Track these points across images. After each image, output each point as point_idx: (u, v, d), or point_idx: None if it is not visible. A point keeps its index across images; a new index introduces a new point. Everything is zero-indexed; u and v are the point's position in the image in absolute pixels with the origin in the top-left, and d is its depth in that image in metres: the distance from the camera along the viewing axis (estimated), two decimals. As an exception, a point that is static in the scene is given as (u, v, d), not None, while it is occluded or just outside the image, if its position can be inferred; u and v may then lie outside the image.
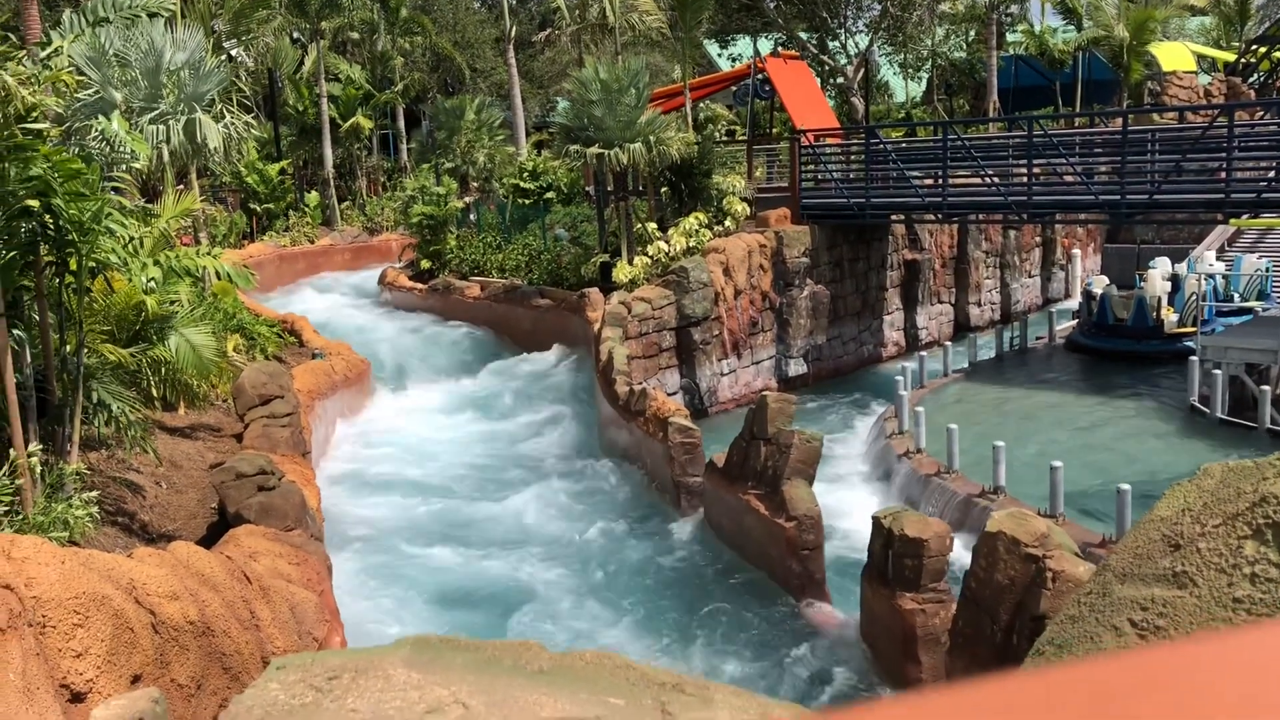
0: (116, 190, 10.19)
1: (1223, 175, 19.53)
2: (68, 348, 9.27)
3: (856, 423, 20.52)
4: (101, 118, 9.84)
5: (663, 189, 24.61)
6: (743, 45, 39.04)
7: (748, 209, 23.74)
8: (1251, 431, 15.41)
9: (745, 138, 30.98)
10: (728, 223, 23.28)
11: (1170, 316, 21.03)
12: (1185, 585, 2.70)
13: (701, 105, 33.56)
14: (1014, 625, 8.43)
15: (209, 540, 9.50)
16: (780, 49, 35.42)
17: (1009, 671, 0.62)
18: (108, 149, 9.98)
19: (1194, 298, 20.76)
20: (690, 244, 22.18)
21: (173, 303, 12.38)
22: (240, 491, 9.89)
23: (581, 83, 22.52)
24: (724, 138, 33.70)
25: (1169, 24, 45.57)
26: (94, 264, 9.13)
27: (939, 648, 9.76)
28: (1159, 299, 21.13)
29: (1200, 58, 42.45)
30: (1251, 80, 39.30)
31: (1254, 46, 39.88)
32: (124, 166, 10.39)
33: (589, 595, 12.67)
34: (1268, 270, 22.62)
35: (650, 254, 22.13)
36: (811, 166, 24.49)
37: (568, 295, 23.46)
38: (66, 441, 9.09)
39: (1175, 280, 21.55)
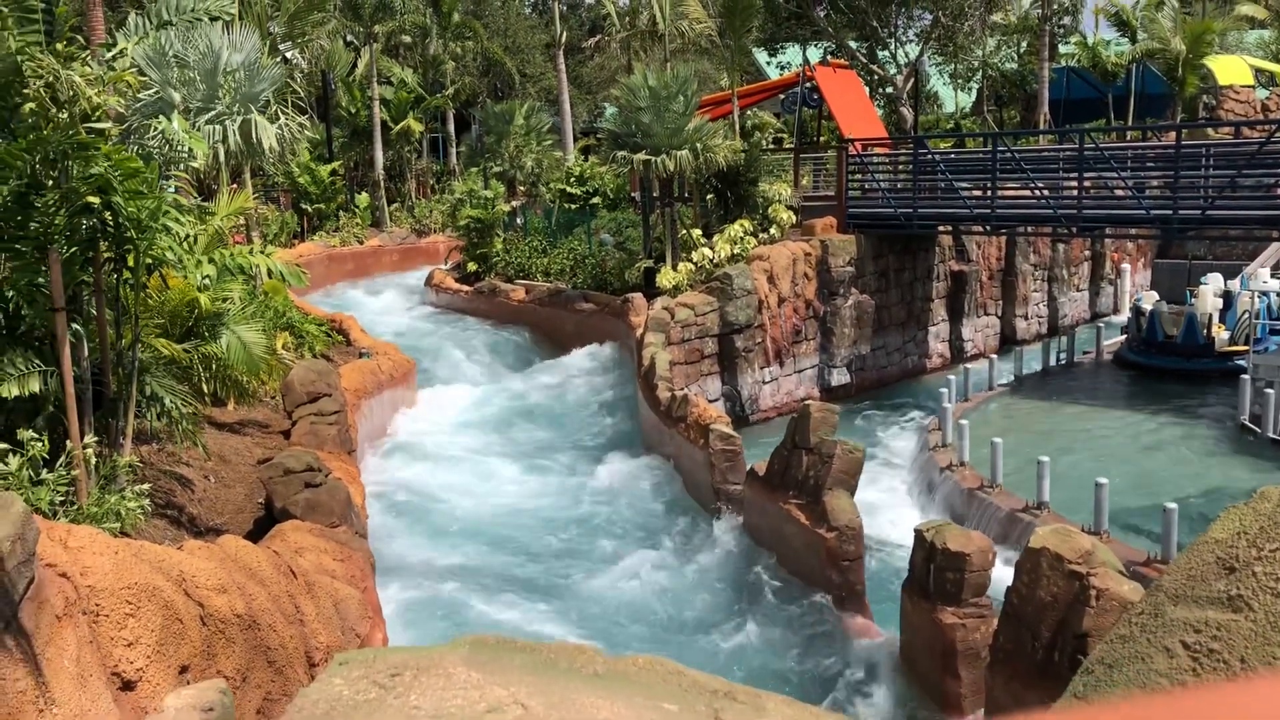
0: (174, 189, 10.38)
1: (1279, 192, 19.23)
2: (123, 342, 9.46)
3: (900, 434, 20.39)
4: (162, 117, 10.04)
5: (708, 196, 24.62)
6: (792, 54, 38.94)
7: (793, 217, 23.69)
8: (1304, 453, 15.15)
9: (792, 146, 30.92)
10: (773, 230, 23.25)
11: (1221, 334, 20.71)
12: (1240, 609, 2.68)
13: (749, 113, 33.52)
14: (1056, 642, 8.35)
15: (255, 535, 9.64)
16: (829, 58, 35.30)
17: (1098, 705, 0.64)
18: (166, 148, 10.17)
19: (1246, 315, 20.43)
20: (735, 251, 22.17)
21: (225, 300, 12.58)
22: (287, 487, 10.03)
23: (630, 89, 22.61)
24: (771, 145, 33.66)
25: (1226, 36, 44.88)
26: (150, 260, 9.30)
27: (979, 663, 9.68)
28: (1210, 316, 20.82)
29: (1258, 72, 41.76)
30: (1311, 95, 38.62)
31: (1314, 61, 39.19)
32: (181, 165, 10.58)
33: (628, 601, 12.70)
34: (1323, 289, 22.20)
35: (694, 260, 22.15)
36: (859, 176, 24.40)
37: (611, 300, 23.54)
38: (120, 434, 9.27)
39: (1227, 297, 21.22)
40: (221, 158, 13.91)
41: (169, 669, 6.21)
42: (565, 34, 42.67)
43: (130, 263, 9.12)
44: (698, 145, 21.93)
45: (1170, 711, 0.65)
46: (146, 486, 8.90)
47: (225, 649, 6.78)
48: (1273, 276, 23.21)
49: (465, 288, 29.15)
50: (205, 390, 12.14)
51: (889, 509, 15.96)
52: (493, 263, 28.99)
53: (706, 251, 22.19)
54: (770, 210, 23.58)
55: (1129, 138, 35.46)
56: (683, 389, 18.13)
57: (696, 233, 23.18)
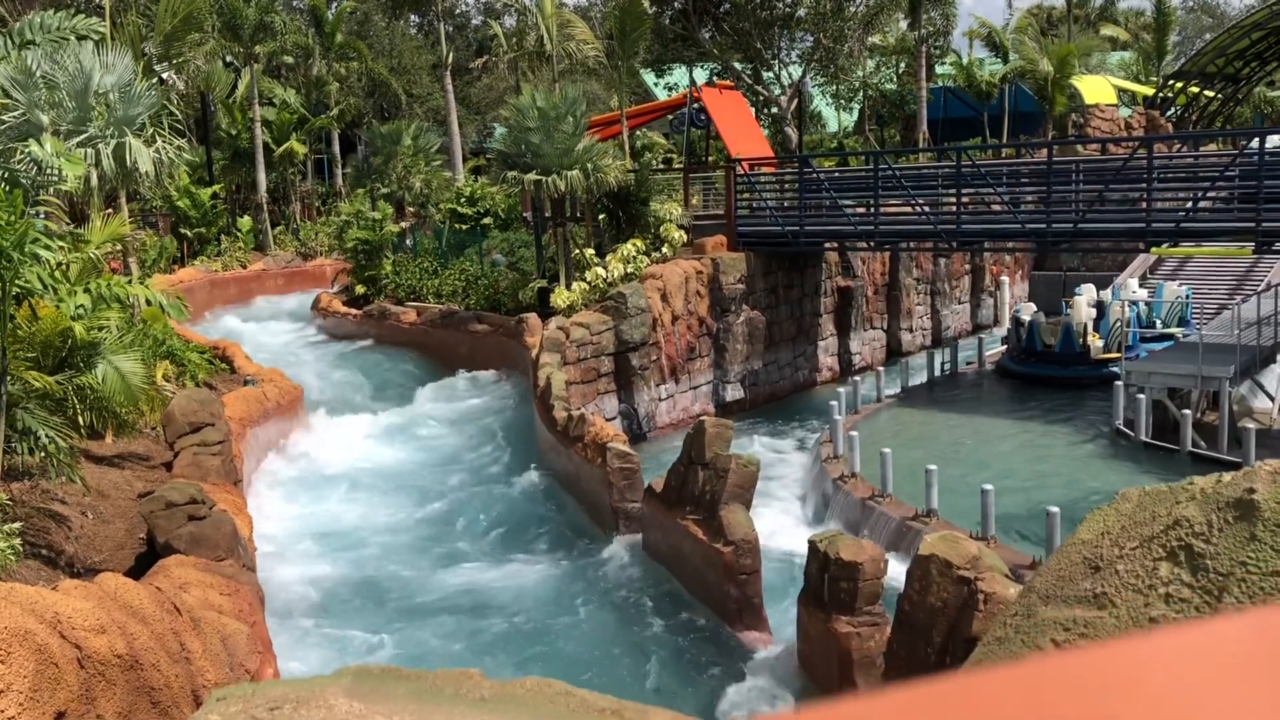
0: (44, 214, 9.99)
1: (1144, 205, 20.13)
2: (-9, 375, 9.05)
3: (793, 447, 20.69)
4: (33, 140, 9.66)
5: (600, 215, 24.71)
6: (679, 75, 39.44)
7: (684, 236, 23.93)
8: (1174, 454, 15.84)
9: (681, 166, 31.24)
10: (665, 249, 23.44)
11: (1096, 342, 21.55)
12: (1105, 606, 2.80)
13: (638, 133, 33.79)
14: (948, 647, 8.55)
15: (138, 571, 9.30)
16: (715, 79, 35.82)
17: (920, 680, 0.67)
18: (35, 171, 9.79)
19: (1118, 324, 21.32)
20: (628, 270, 22.29)
21: (101, 329, 12.14)
22: (170, 521, 9.70)
23: (519, 110, 22.57)
24: (660, 165, 33.96)
25: (1090, 58, 46.94)
26: (19, 290, 8.93)
27: (874, 670, 9.86)
28: (1085, 325, 21.65)
29: (1121, 91, 43.80)
30: (1169, 114, 40.63)
31: (1171, 81, 41.27)
32: (52, 190, 10.20)
33: (525, 622, 12.61)
34: (1188, 297, 23.32)
35: (588, 280, 22.18)
36: (746, 194, 24.76)
37: (505, 320, 23.41)
38: (-12, 472, 8.86)
39: (1100, 307, 22.11)
40: (94, 182, 13.45)
41: (44, 716, 5.93)
42: (452, 55, 42.44)
43: (-4, 292, 8.75)
44: (588, 165, 22.00)
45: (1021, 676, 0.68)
46: (18, 525, 8.51)
47: (105, 692, 6.51)
48: (1141, 286, 24.29)
49: (354, 311, 28.66)
50: (81, 423, 11.68)
51: (784, 521, 16.16)
52: (382, 285, 28.58)
53: (600, 271, 22.25)
54: (662, 229, 23.77)
55: (1004, 155, 36.77)
56: (579, 408, 18.11)
57: (590, 252, 23.23)
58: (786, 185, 26.81)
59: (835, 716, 0.66)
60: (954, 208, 22.54)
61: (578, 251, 23.37)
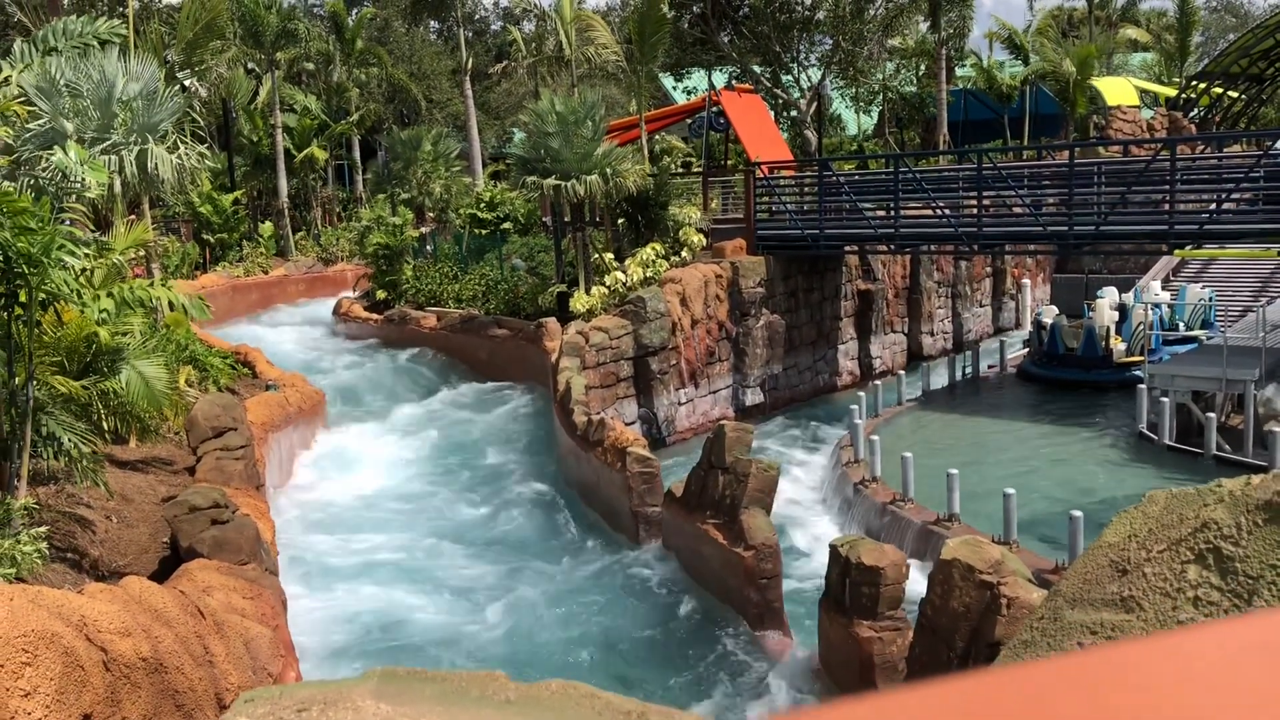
0: (69, 220, 10.08)
1: (1166, 207, 19.99)
2: (16, 380, 9.13)
3: (813, 451, 20.64)
4: (58, 147, 9.75)
5: (619, 220, 24.72)
6: (697, 78, 39.44)
7: (704, 240, 23.91)
8: (1198, 458, 15.71)
9: (701, 169, 31.24)
10: (684, 253, 23.43)
11: (1119, 346, 21.41)
12: (1132, 609, 2.78)
13: (657, 137, 33.80)
14: (970, 652, 8.51)
15: (161, 575, 9.35)
16: (734, 82, 35.80)
17: (948, 676, 0.66)
18: (60, 178, 9.88)
19: (1141, 327, 21.17)
20: (647, 274, 22.29)
21: (125, 334, 12.24)
22: (193, 525, 9.75)
23: (538, 114, 22.62)
24: (680, 169, 33.96)
25: (1112, 59, 46.69)
26: (44, 296, 9.01)
27: (896, 675, 9.82)
28: (1107, 328, 21.51)
29: (1143, 93, 43.53)
30: (1192, 115, 40.34)
31: (1194, 82, 40.96)
32: (76, 197, 10.28)
33: (547, 625, 12.61)
34: (1211, 300, 23.14)
35: (607, 284, 22.19)
36: (766, 198, 24.73)
37: (525, 325, 23.44)
38: (14, 476, 8.93)
39: (1123, 310, 21.96)
40: (118, 188, 13.55)
41: (70, 718, 5.97)
42: (472, 60, 42.60)
43: (22, 298, 8.82)
44: (607, 170, 22.02)
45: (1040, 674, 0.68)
46: (44, 529, 8.58)
47: (130, 694, 6.55)
48: (1164, 289, 24.12)
49: (375, 316, 28.79)
50: (105, 427, 11.78)
51: (805, 526, 16.13)
52: (403, 290, 28.69)
53: (619, 275, 22.26)
54: (681, 233, 23.77)
55: (1025, 157, 36.60)
56: (599, 413, 18.11)
57: (609, 256, 23.24)
58: (806, 188, 26.76)
59: (855, 712, 0.65)
60: (975, 210, 22.45)
61: (597, 256, 23.39)
